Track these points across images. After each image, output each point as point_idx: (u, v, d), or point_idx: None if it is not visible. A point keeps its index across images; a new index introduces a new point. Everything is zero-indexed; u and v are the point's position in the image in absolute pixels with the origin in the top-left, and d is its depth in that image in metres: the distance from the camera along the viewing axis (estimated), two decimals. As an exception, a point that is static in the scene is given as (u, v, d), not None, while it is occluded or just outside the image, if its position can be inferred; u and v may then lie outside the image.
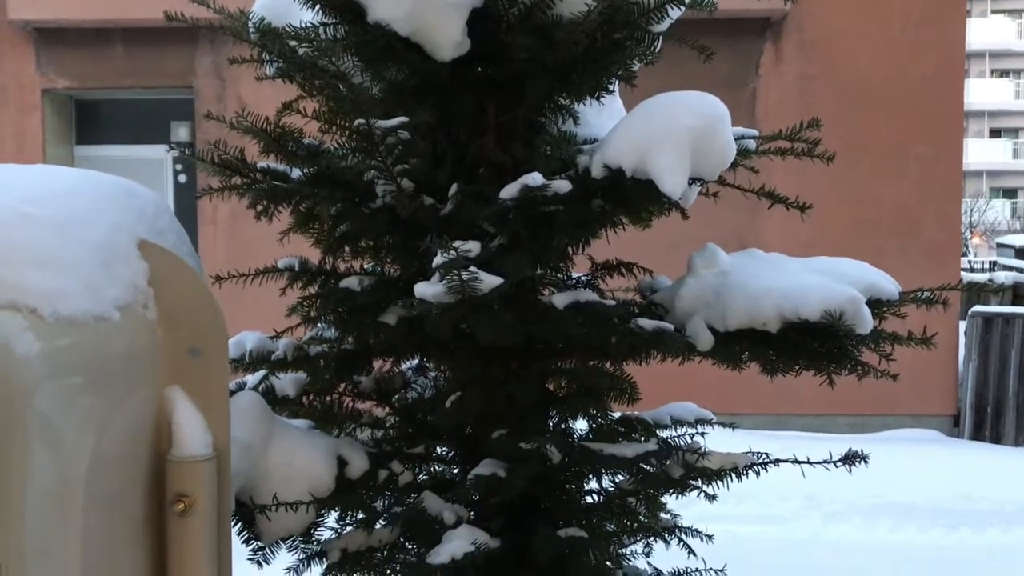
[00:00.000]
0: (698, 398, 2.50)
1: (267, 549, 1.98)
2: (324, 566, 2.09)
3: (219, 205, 8.39)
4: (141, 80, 8.93)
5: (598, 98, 2.15)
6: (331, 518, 2.10)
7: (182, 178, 9.25)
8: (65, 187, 1.47)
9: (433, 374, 2.40)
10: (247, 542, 1.97)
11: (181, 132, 9.34)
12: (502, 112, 2.08)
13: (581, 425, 2.26)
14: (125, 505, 1.58)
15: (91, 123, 9.35)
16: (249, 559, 1.97)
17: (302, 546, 2.05)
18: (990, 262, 18.08)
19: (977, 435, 8.29)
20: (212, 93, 8.88)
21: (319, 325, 2.35)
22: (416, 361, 2.44)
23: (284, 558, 2.09)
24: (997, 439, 8.21)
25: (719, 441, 2.30)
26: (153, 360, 1.63)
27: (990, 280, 11.32)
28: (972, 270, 15.35)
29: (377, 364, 2.36)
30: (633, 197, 1.90)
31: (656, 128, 1.78)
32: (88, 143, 9.32)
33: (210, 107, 8.75)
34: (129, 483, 1.58)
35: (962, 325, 8.47)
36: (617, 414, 2.25)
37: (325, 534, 2.09)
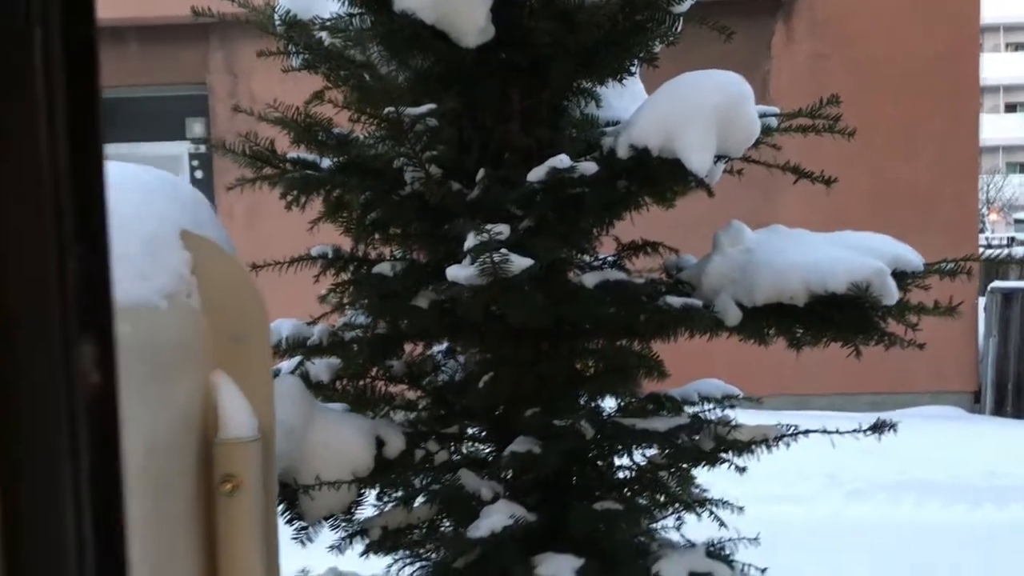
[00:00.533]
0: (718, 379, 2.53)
1: (310, 528, 2.03)
2: (365, 544, 2.15)
3: (236, 200, 8.45)
4: (155, 78, 8.99)
5: (620, 80, 2.18)
6: (370, 498, 2.16)
7: (199, 174, 9.32)
8: (116, 180, 1.52)
9: (462, 357, 2.45)
10: (290, 522, 2.02)
11: (196, 128, 9.40)
12: (526, 97, 2.11)
13: (610, 404, 2.30)
14: (177, 487, 1.63)
15: (107, 121, 9.41)
16: (293, 538, 2.02)
17: (343, 525, 2.10)
18: (1008, 238, 17.96)
19: (999, 411, 8.27)
20: (225, 89, 8.94)
21: (348, 312, 2.40)
22: (445, 345, 2.48)
23: (326, 538, 2.14)
24: (1019, 414, 8.19)
25: (744, 419, 2.33)
26: (199, 346, 1.68)
27: (1009, 255, 11.27)
28: (990, 247, 15.26)
29: (408, 348, 2.40)
30: (659, 176, 1.93)
31: (682, 107, 1.81)
32: (105, 141, 9.38)
33: (223, 103, 8.81)
34: (180, 466, 1.63)
35: (981, 302, 8.45)
36: (645, 392, 2.29)
37: (365, 514, 2.15)
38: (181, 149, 9.29)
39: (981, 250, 10.97)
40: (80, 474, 0.47)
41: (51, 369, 0.45)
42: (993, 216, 29.80)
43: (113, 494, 0.49)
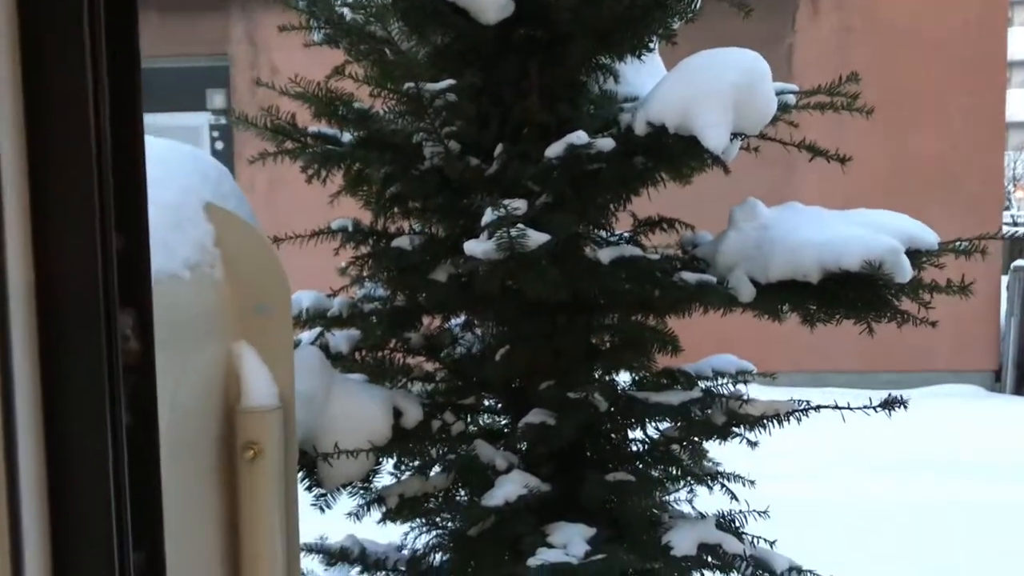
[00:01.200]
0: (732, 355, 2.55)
1: (328, 495, 2.09)
2: (382, 511, 2.20)
3: (256, 173, 8.50)
4: (176, 49, 9.01)
5: (639, 56, 2.18)
6: (388, 466, 2.21)
7: (219, 145, 9.37)
8: (140, 153, 1.56)
9: (479, 330, 2.48)
10: (309, 489, 2.08)
11: (216, 99, 9.43)
12: (545, 73, 2.13)
13: (624, 378, 2.33)
14: (199, 453, 1.68)
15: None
16: (312, 505, 2.08)
17: (361, 492, 2.16)
18: (1033, 216, 17.73)
19: (1019, 390, 8.24)
20: (246, 60, 8.95)
21: (366, 285, 2.44)
22: (462, 318, 2.52)
23: (344, 505, 2.20)
24: (1039, 393, 8.15)
25: (759, 395, 2.35)
26: (221, 317, 1.72)
27: (1032, 234, 11.15)
28: (1015, 224, 15.08)
29: (425, 321, 2.44)
30: (676, 153, 1.95)
31: (699, 85, 1.82)
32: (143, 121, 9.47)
33: (244, 74, 8.84)
34: (202, 432, 1.68)
35: (1004, 280, 8.38)
36: (659, 367, 2.32)
37: (382, 482, 2.20)
38: (201, 120, 9.33)
39: (1005, 228, 10.86)
40: (119, 431, 0.50)
41: (94, 335, 0.48)
42: (1019, 194, 29.36)
43: (149, 448, 0.52)
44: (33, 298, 0.45)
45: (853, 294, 1.94)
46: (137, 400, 0.52)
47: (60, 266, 0.46)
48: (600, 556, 1.84)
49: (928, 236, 2.01)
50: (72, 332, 0.46)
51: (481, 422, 2.34)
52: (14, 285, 0.43)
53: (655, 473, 2.21)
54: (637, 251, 2.10)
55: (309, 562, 2.36)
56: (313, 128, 2.22)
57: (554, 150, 1.94)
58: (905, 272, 1.87)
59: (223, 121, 9.19)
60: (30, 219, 0.46)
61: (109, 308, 0.48)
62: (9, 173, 0.44)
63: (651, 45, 2.25)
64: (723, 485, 2.33)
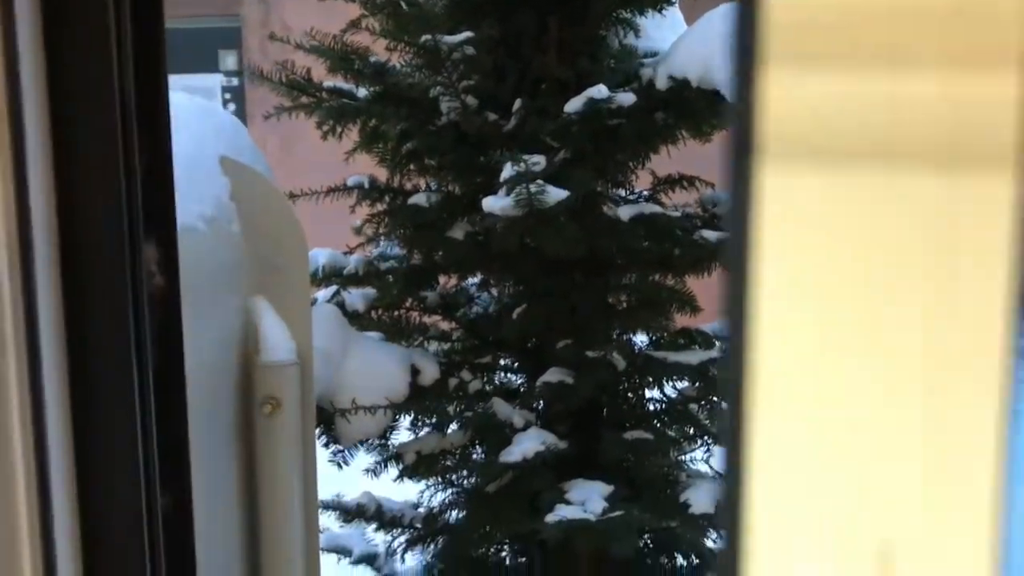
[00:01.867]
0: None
1: (346, 452, 2.09)
2: (399, 468, 2.21)
3: (268, 133, 8.45)
4: (188, 9, 8.93)
5: (660, 10, 2.14)
6: (405, 424, 2.21)
7: (231, 106, 9.32)
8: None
9: (496, 289, 2.47)
10: (327, 445, 2.08)
11: (228, 60, 9.36)
12: (565, 26, 2.09)
13: (642, 338, 2.32)
14: (219, 407, 1.68)
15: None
16: (330, 461, 2.08)
17: (378, 449, 2.16)
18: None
19: None
20: (257, 20, 8.86)
21: (382, 244, 2.42)
22: (479, 277, 2.50)
23: (362, 462, 2.21)
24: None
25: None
26: (238, 271, 1.71)
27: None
28: None
29: (442, 280, 2.43)
30: (697, 108, 1.92)
31: (722, 38, 1.78)
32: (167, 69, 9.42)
33: (256, 34, 8.77)
34: (221, 387, 1.68)
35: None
36: (677, 327, 2.30)
37: (400, 439, 2.20)
38: (214, 82, 9.27)
39: None
40: (146, 369, 0.49)
41: (118, 267, 0.47)
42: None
43: (175, 387, 0.51)
44: (56, 229, 0.44)
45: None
46: (163, 337, 0.50)
47: (83, 192, 0.44)
48: (618, 513, 1.85)
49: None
50: (96, 264, 0.45)
51: (498, 380, 2.33)
52: (37, 212, 0.42)
53: (672, 432, 2.21)
54: (657, 208, 2.07)
55: (325, 519, 2.38)
56: (328, 83, 2.19)
57: (573, 105, 1.91)
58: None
59: (235, 82, 9.14)
60: (51, 147, 0.44)
61: (134, 239, 0.46)
62: (31, 102, 0.42)
63: (672, -1, 2.20)
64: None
